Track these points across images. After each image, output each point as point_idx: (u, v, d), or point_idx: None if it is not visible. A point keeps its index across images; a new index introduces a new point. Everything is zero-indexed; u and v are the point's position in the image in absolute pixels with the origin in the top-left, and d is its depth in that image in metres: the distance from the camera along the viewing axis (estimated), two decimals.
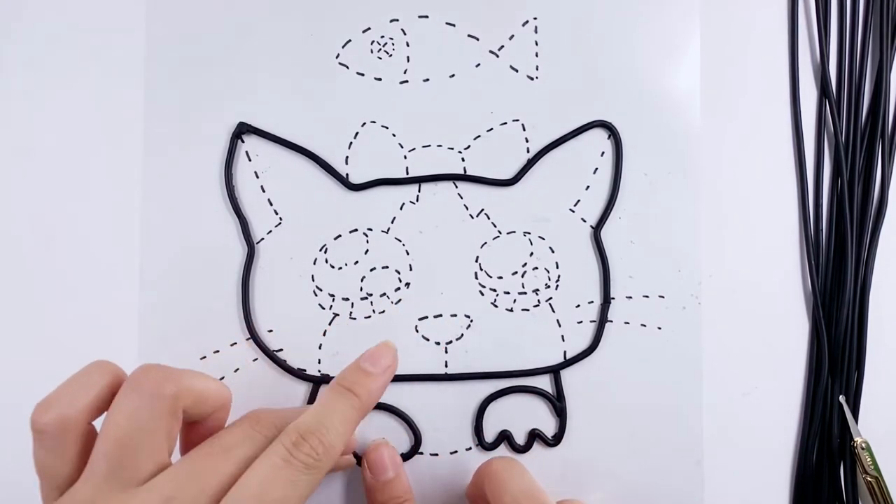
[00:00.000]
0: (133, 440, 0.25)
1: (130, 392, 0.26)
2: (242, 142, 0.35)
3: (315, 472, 0.26)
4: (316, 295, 0.35)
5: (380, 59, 0.36)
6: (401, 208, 0.35)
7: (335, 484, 0.35)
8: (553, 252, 0.35)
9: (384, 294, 0.35)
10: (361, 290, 0.35)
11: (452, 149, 0.35)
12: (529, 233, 0.35)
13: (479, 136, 0.36)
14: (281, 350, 0.35)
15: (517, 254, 0.35)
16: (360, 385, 0.28)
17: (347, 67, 0.36)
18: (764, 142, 0.37)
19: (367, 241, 0.35)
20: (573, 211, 0.36)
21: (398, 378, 0.35)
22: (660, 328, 0.35)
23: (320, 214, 0.35)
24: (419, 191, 0.35)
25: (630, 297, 0.35)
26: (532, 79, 0.36)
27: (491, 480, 0.30)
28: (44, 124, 0.36)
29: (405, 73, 0.36)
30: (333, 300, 0.35)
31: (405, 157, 0.35)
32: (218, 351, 0.35)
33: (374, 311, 0.35)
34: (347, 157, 0.35)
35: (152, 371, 0.26)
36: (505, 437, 0.35)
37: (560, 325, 0.35)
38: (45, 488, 0.26)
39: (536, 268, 0.35)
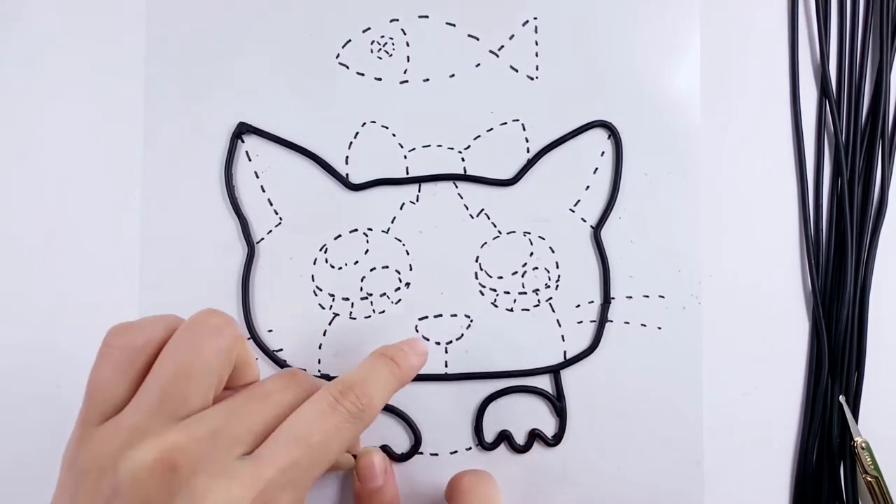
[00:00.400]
0: (188, 373, 0.25)
1: (191, 328, 0.26)
2: (242, 142, 0.35)
3: (357, 422, 0.26)
4: (316, 295, 0.35)
5: (380, 59, 0.36)
6: (401, 208, 0.35)
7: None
8: (553, 252, 0.35)
9: (384, 294, 0.35)
10: (361, 290, 0.35)
11: (452, 149, 0.35)
12: (529, 233, 0.35)
13: (479, 136, 0.36)
14: (281, 350, 0.35)
15: (517, 254, 0.35)
16: (402, 357, 0.29)
17: (347, 67, 0.36)
18: (764, 142, 0.37)
19: (367, 241, 0.35)
20: (573, 211, 0.36)
21: None
22: (660, 328, 0.35)
23: (320, 214, 0.35)
24: (419, 191, 0.35)
25: (630, 297, 0.35)
26: (532, 79, 0.36)
27: (458, 496, 0.31)
28: (44, 124, 0.36)
29: (405, 73, 0.36)
30: (333, 300, 0.35)
31: (405, 157, 0.35)
32: None
33: (374, 311, 0.35)
34: (347, 157, 0.35)
35: (215, 313, 0.27)
36: (505, 437, 0.35)
37: (560, 325, 0.35)
38: (87, 411, 0.25)
39: (536, 268, 0.35)
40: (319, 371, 0.35)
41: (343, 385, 0.27)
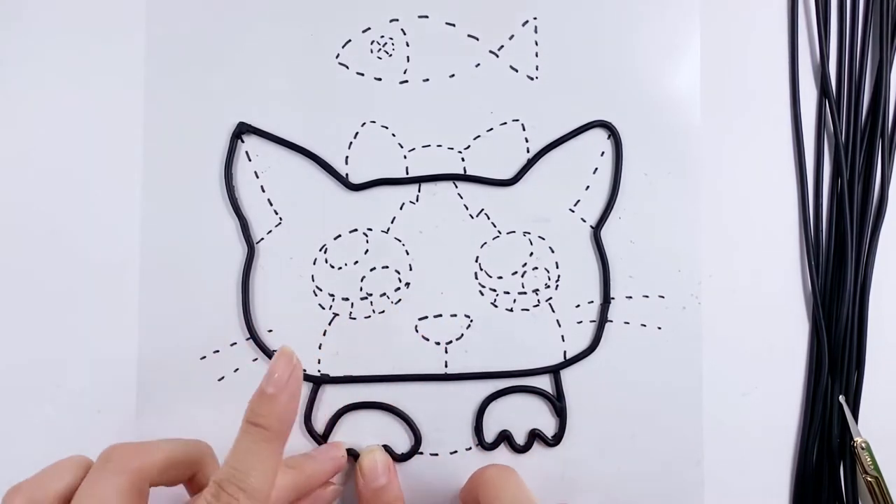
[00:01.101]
0: None
1: (95, 472, 0.26)
2: (242, 142, 0.35)
3: None
4: (316, 295, 0.35)
5: (380, 59, 0.36)
6: (401, 208, 0.35)
7: None
8: (553, 252, 0.35)
9: (384, 294, 0.35)
10: (361, 290, 0.35)
11: (452, 149, 0.35)
12: (529, 233, 0.35)
13: (479, 136, 0.36)
14: None
15: (517, 254, 0.35)
16: (265, 416, 0.27)
17: (347, 67, 0.36)
18: (764, 142, 0.37)
19: (367, 241, 0.35)
20: (573, 211, 0.36)
21: (398, 378, 0.35)
22: (660, 328, 0.35)
23: (320, 214, 0.35)
24: (419, 191, 0.35)
25: (630, 297, 0.35)
26: (532, 79, 0.36)
27: (485, 488, 0.31)
28: (44, 124, 0.36)
29: (405, 73, 0.36)
30: (333, 300, 0.35)
31: (405, 157, 0.35)
32: (218, 351, 0.35)
33: (374, 311, 0.35)
34: (347, 157, 0.35)
35: (116, 449, 0.27)
36: (505, 437, 0.35)
37: (560, 325, 0.35)
38: None
39: (536, 268, 0.35)
40: (319, 371, 0.35)
41: (216, 485, 0.26)
